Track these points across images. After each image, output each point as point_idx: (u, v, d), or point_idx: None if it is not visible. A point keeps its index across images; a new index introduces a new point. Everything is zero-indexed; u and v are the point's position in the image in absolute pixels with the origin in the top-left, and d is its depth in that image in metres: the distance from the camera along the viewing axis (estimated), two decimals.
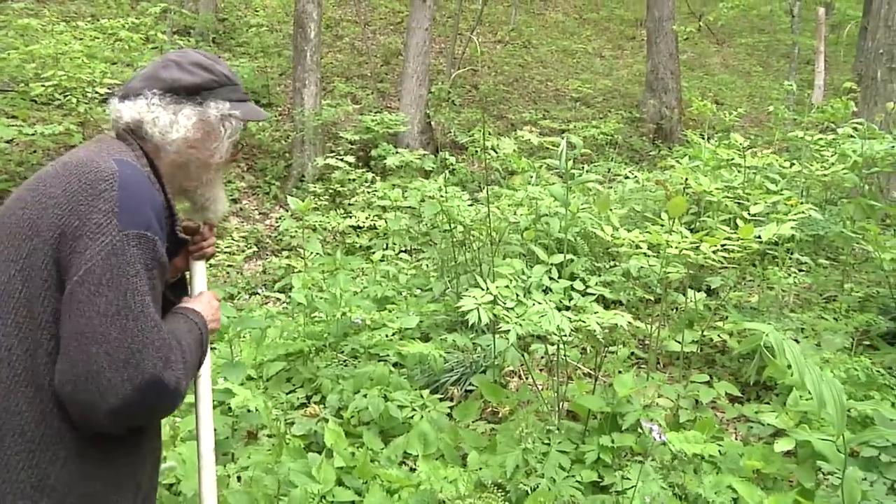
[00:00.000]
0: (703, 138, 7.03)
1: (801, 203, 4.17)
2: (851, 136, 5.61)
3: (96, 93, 8.13)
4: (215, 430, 2.44)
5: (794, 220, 3.78)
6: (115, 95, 1.76)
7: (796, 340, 4.13)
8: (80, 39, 8.42)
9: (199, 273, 1.95)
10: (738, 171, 5.47)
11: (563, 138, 4.05)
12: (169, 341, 1.49)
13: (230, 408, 3.51)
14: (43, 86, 7.70)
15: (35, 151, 8.61)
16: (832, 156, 5.49)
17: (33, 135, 7.42)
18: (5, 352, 1.45)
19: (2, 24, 8.72)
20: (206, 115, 1.75)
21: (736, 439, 3.56)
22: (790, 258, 5.10)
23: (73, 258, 1.43)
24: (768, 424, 3.53)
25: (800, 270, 5.11)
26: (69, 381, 1.40)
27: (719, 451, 3.15)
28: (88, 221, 1.45)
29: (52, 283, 1.45)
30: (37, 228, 1.47)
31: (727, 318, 4.36)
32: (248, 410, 3.53)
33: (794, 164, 5.53)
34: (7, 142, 7.56)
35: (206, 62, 1.78)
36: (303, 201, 5.15)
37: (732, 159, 5.48)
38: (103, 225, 1.45)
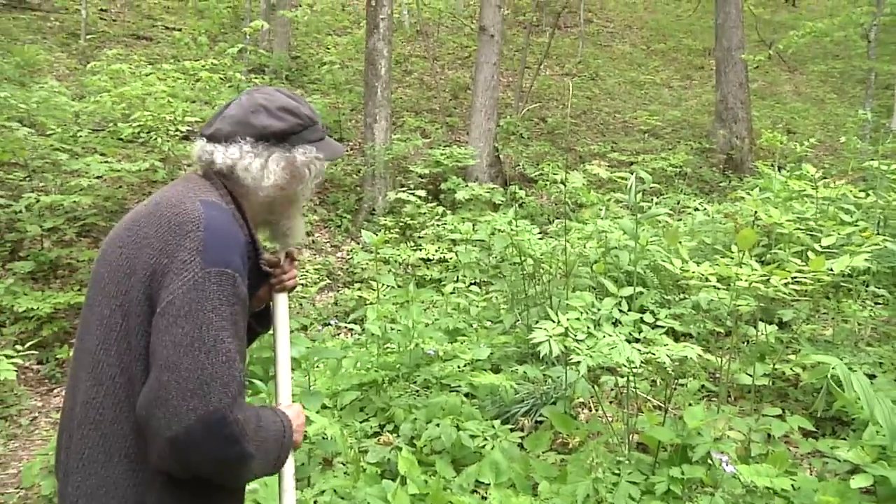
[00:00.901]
0: (775, 168, 6.96)
1: (877, 234, 4.12)
2: None
3: (178, 131, 8.50)
4: None
5: (867, 251, 3.74)
6: (202, 135, 1.83)
7: (873, 375, 4.06)
8: (164, 80, 8.83)
9: (282, 305, 2.02)
10: (811, 203, 5.40)
11: (631, 172, 4.10)
12: (240, 380, 1.52)
13: (306, 435, 3.63)
14: (131, 126, 8.11)
15: (121, 187, 9.02)
16: None
17: (120, 171, 7.81)
18: (110, 381, 1.58)
19: (96, 69, 9.23)
20: (293, 159, 1.82)
21: (810, 474, 3.50)
22: (866, 291, 5.01)
23: (161, 293, 1.54)
24: (844, 460, 3.46)
25: (876, 303, 5.01)
26: (143, 405, 1.50)
27: (792, 485, 3.11)
28: (175, 259, 1.56)
29: (146, 317, 1.56)
30: (133, 267, 1.60)
31: (800, 351, 4.30)
32: (324, 438, 3.64)
33: (869, 194, 5.44)
34: (97, 177, 7.97)
35: (292, 105, 1.85)
36: (375, 235, 5.29)
37: (804, 190, 5.42)
38: (188, 262, 1.55)
